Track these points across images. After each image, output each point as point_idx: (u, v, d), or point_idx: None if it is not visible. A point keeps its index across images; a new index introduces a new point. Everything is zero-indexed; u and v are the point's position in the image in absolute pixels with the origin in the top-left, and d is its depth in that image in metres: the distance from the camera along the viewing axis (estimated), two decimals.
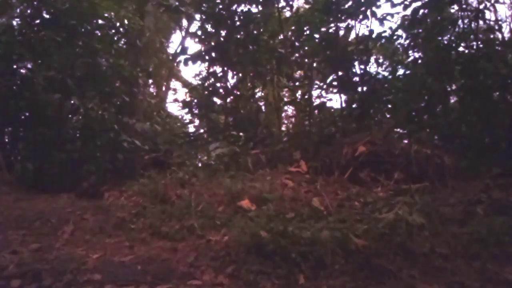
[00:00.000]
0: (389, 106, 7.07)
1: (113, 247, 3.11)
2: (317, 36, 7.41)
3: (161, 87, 14.24)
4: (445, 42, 6.28)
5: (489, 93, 5.77)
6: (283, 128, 9.70)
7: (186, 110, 9.52)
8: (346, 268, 2.57)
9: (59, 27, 6.78)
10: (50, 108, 6.75)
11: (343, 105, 7.28)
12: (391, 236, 2.86)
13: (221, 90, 8.39)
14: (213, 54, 8.02)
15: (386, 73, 7.37)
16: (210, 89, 8.48)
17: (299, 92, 8.67)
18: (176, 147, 8.96)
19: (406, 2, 6.30)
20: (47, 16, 7.09)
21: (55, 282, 2.40)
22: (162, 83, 14.21)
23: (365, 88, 6.97)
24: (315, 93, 8.16)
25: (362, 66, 7.04)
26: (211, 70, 8.42)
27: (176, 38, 34.71)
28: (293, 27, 7.90)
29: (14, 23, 7.12)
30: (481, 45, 6.09)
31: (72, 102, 6.93)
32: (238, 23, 7.84)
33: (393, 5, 6.53)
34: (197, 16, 8.75)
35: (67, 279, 2.43)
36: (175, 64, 13.06)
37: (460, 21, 6.15)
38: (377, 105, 6.93)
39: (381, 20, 6.82)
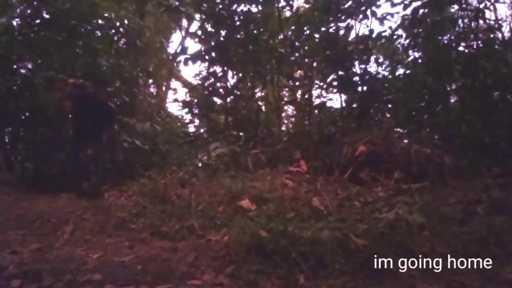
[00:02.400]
0: (389, 105, 7.07)
1: (113, 247, 3.11)
2: (317, 36, 7.41)
3: (161, 87, 14.24)
4: (445, 41, 6.27)
5: (489, 93, 5.76)
6: (283, 128, 9.71)
7: (186, 110, 9.52)
8: (346, 268, 2.57)
9: (59, 27, 6.80)
10: (50, 108, 6.75)
11: (343, 104, 7.29)
12: (391, 236, 2.86)
13: (221, 90, 8.39)
14: (213, 54, 8.02)
15: (386, 73, 7.38)
16: (210, 89, 8.48)
17: (299, 92, 8.67)
18: (175, 147, 8.96)
19: (406, 2, 6.30)
20: (47, 16, 7.10)
21: (55, 282, 2.39)
22: (162, 83, 14.22)
23: (365, 88, 6.97)
24: (315, 92, 8.18)
25: (362, 66, 7.04)
26: (211, 70, 8.42)
27: (176, 38, 34.72)
28: (293, 27, 7.90)
29: (14, 23, 7.13)
30: (481, 45, 6.09)
31: None
32: (238, 23, 7.84)
33: (393, 5, 6.54)
34: (197, 16, 8.76)
35: (67, 279, 2.42)
36: (175, 64, 13.08)
37: (460, 21, 6.14)
38: (377, 104, 6.94)
39: (381, 20, 6.82)
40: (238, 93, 8.35)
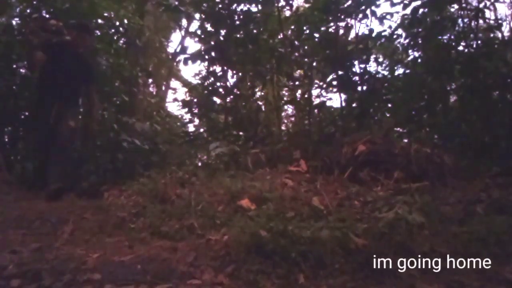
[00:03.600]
0: (389, 105, 7.08)
1: (113, 247, 3.10)
2: (316, 35, 7.42)
3: (160, 86, 14.26)
4: (445, 41, 6.28)
5: (489, 92, 5.77)
6: (283, 128, 9.71)
7: (186, 109, 9.51)
8: (346, 268, 2.57)
9: None
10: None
11: (343, 104, 7.29)
12: (391, 236, 2.86)
13: (221, 90, 8.38)
14: (213, 54, 8.01)
15: (386, 72, 7.39)
16: (210, 88, 8.47)
17: (299, 92, 8.67)
18: (175, 147, 8.96)
19: (406, 1, 6.31)
20: (47, 16, 7.09)
21: (55, 281, 2.38)
22: (162, 83, 14.24)
23: (365, 88, 6.98)
24: (314, 92, 8.17)
25: (362, 65, 7.04)
26: (210, 69, 8.41)
27: (175, 38, 34.75)
28: (292, 27, 7.90)
29: (14, 22, 7.13)
30: (481, 44, 6.09)
31: None
32: (237, 22, 7.83)
33: (393, 4, 6.54)
34: (197, 16, 8.76)
35: (67, 279, 2.42)
36: (175, 64, 13.10)
37: (460, 20, 6.15)
38: (377, 104, 6.94)
39: (381, 19, 6.83)
40: (238, 92, 8.34)
